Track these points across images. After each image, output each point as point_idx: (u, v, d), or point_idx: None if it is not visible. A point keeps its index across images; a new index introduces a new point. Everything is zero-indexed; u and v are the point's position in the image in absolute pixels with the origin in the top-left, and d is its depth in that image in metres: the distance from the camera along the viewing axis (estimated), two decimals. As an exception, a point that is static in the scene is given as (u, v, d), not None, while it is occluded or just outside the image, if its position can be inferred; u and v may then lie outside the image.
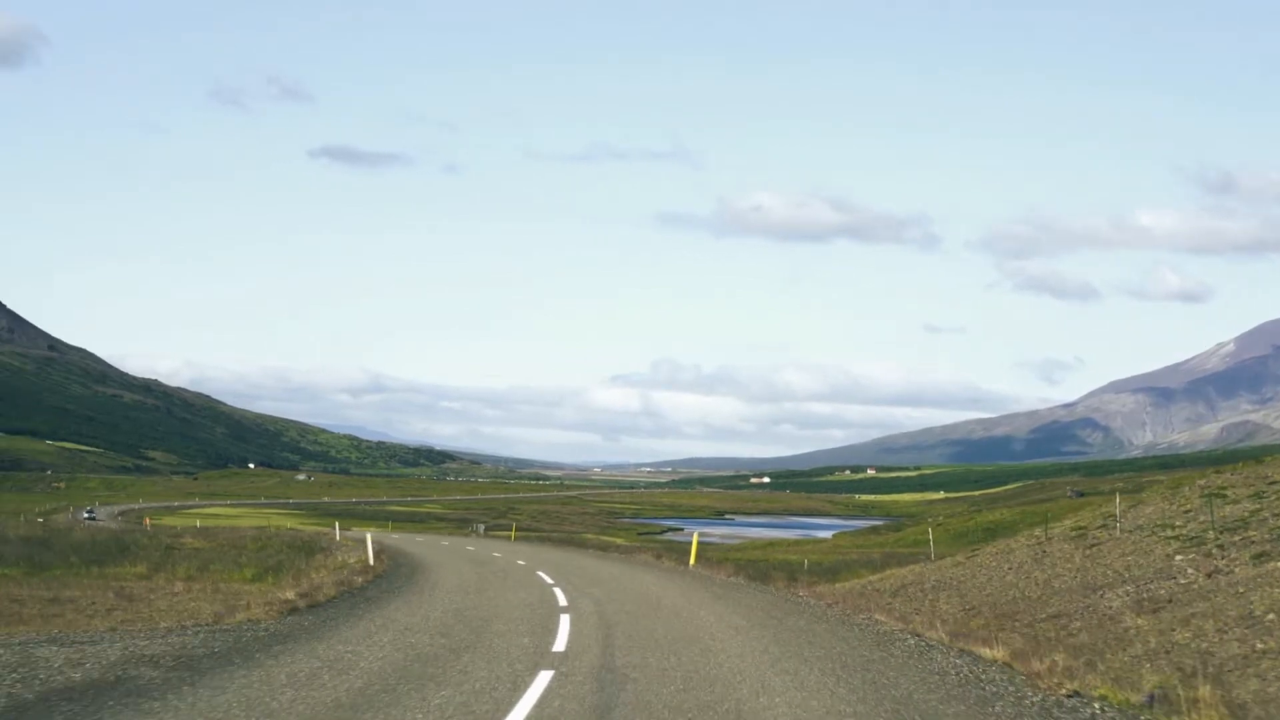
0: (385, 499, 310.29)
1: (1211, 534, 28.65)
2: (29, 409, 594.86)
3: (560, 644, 20.22)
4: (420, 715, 13.65)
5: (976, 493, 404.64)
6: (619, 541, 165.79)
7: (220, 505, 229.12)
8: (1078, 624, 23.27)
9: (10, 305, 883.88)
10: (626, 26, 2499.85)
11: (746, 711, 14.34)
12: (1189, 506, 33.91)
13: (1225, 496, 33.52)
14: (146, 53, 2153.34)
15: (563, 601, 28.53)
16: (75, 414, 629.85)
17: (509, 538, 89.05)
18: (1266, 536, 26.47)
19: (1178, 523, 31.70)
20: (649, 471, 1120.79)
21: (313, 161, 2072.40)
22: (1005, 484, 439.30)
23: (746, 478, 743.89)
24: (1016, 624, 24.23)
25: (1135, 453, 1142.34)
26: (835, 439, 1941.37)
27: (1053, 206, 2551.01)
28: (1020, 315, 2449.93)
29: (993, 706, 15.16)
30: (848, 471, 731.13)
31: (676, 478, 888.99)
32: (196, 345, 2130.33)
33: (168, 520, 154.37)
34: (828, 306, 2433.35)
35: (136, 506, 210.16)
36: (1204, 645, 18.99)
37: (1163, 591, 24.02)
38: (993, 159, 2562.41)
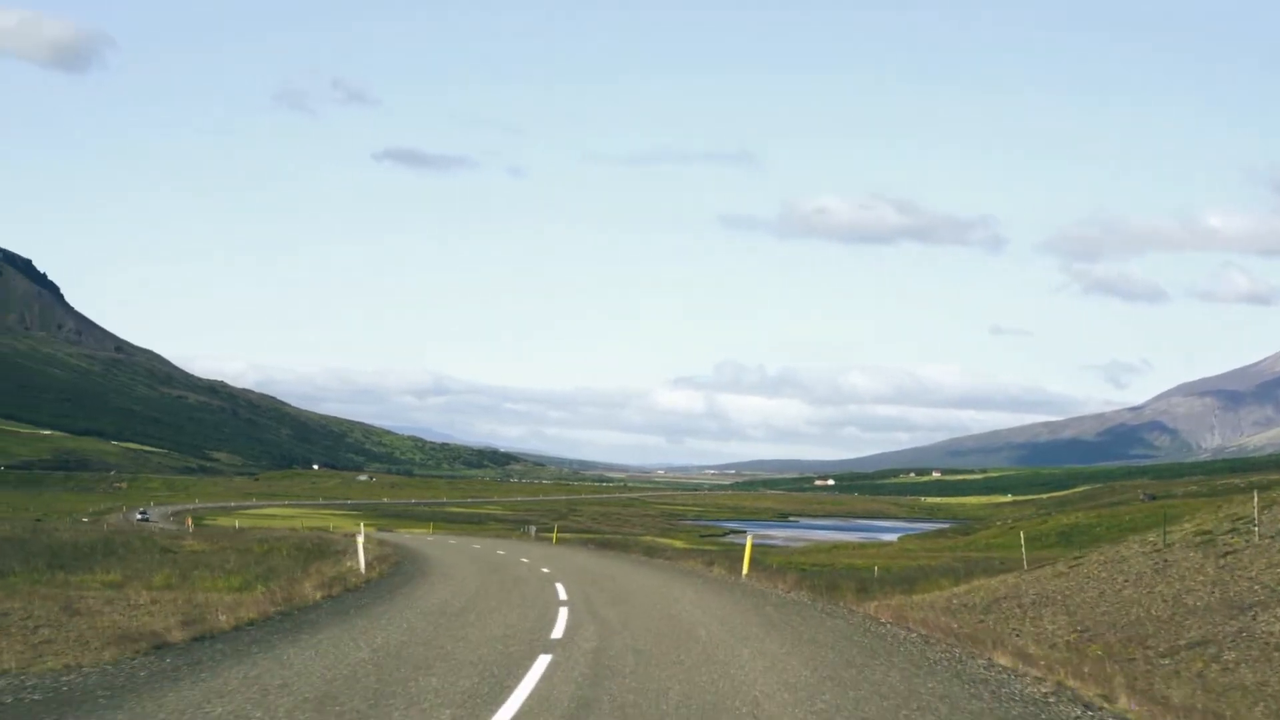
0: (445, 500, 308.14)
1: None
2: (95, 410, 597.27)
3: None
4: None
5: (1044, 495, 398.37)
6: (676, 544, 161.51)
7: (277, 506, 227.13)
8: (1232, 655, 18.69)
9: (78, 308, 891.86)
10: (690, 30, 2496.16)
11: None
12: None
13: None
14: (212, 57, 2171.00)
15: (558, 631, 22.13)
16: (141, 415, 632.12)
17: (557, 540, 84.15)
18: None
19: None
20: (713, 474, 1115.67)
21: (377, 164, 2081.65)
22: (1072, 487, 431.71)
23: (810, 480, 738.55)
24: (1149, 652, 19.70)
25: (1203, 456, 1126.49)
26: (900, 441, 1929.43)
27: (1120, 208, 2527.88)
28: (1087, 318, 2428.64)
29: None
30: (912, 474, 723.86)
31: (740, 480, 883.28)
32: (263, 347, 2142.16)
33: (220, 520, 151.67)
34: (892, 309, 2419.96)
35: (191, 507, 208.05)
36: None
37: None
38: (1059, 160, 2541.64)
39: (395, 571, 37.64)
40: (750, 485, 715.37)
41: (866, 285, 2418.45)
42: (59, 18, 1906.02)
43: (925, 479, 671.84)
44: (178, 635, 19.49)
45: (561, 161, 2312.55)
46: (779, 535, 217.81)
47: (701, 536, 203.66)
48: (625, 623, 24.15)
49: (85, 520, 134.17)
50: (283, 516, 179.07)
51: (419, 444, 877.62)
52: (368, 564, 35.76)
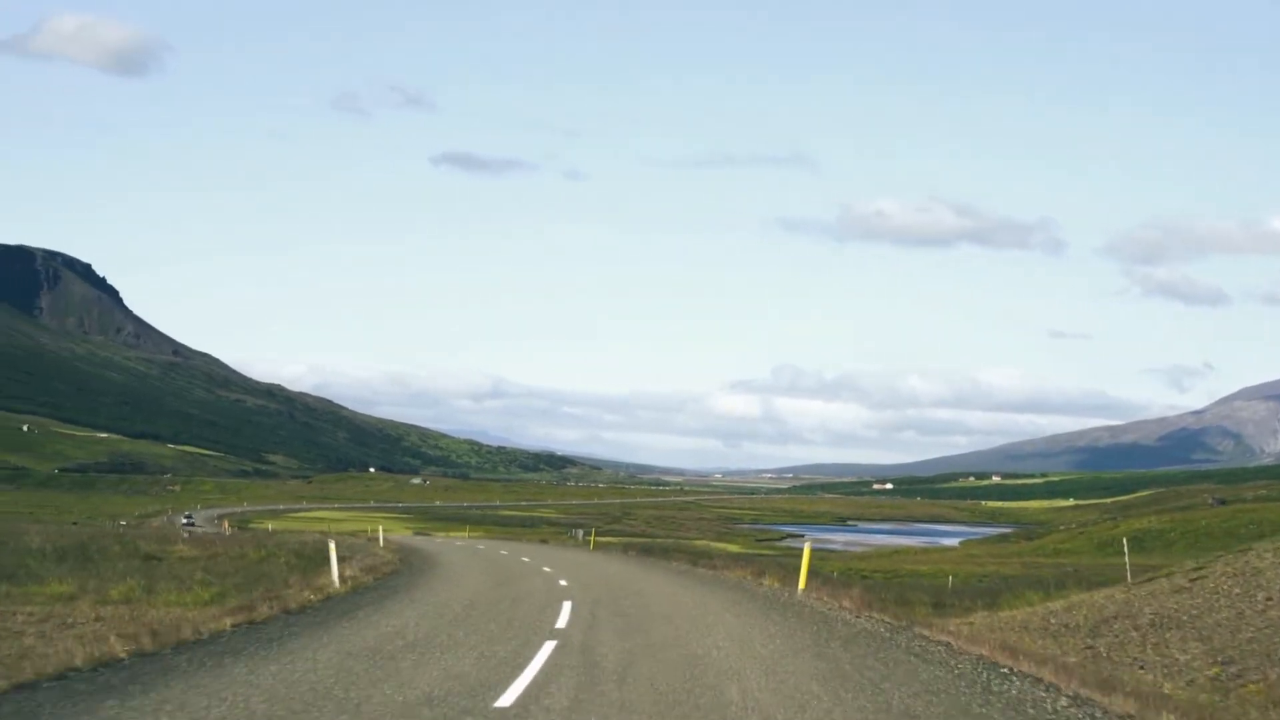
0: (498, 503, 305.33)
1: None
2: (152, 413, 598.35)
3: None
4: None
5: (1108, 500, 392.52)
6: (731, 549, 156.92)
7: (326, 509, 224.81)
8: None
9: (137, 311, 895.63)
10: (747, 33, 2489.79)
11: None
12: None
13: None
14: (270, 62, 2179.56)
15: (516, 688, 15.76)
16: (197, 418, 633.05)
17: (595, 545, 78.67)
18: None
19: None
20: (770, 478, 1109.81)
21: (434, 168, 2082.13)
22: (1134, 491, 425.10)
23: (869, 484, 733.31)
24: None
25: (1267, 460, 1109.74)
26: (959, 445, 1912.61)
27: (1182, 211, 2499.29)
28: (1148, 321, 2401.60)
29: None
30: (972, 478, 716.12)
31: (798, 484, 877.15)
32: (321, 351, 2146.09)
33: (266, 523, 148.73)
34: (951, 312, 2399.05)
35: (239, 510, 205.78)
36: None
37: None
38: (1121, 162, 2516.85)
39: (378, 585, 32.64)
40: (808, 489, 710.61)
41: (925, 288, 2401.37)
42: (118, 23, 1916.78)
43: (985, 483, 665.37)
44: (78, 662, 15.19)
45: (618, 164, 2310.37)
46: (837, 539, 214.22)
47: (758, 541, 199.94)
48: (625, 671, 17.29)
49: (124, 524, 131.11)
50: (329, 520, 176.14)
51: (475, 447, 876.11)
52: (350, 576, 31.28)
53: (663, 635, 22.10)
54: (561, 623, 23.81)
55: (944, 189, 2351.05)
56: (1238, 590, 23.46)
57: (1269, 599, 22.14)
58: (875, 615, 25.63)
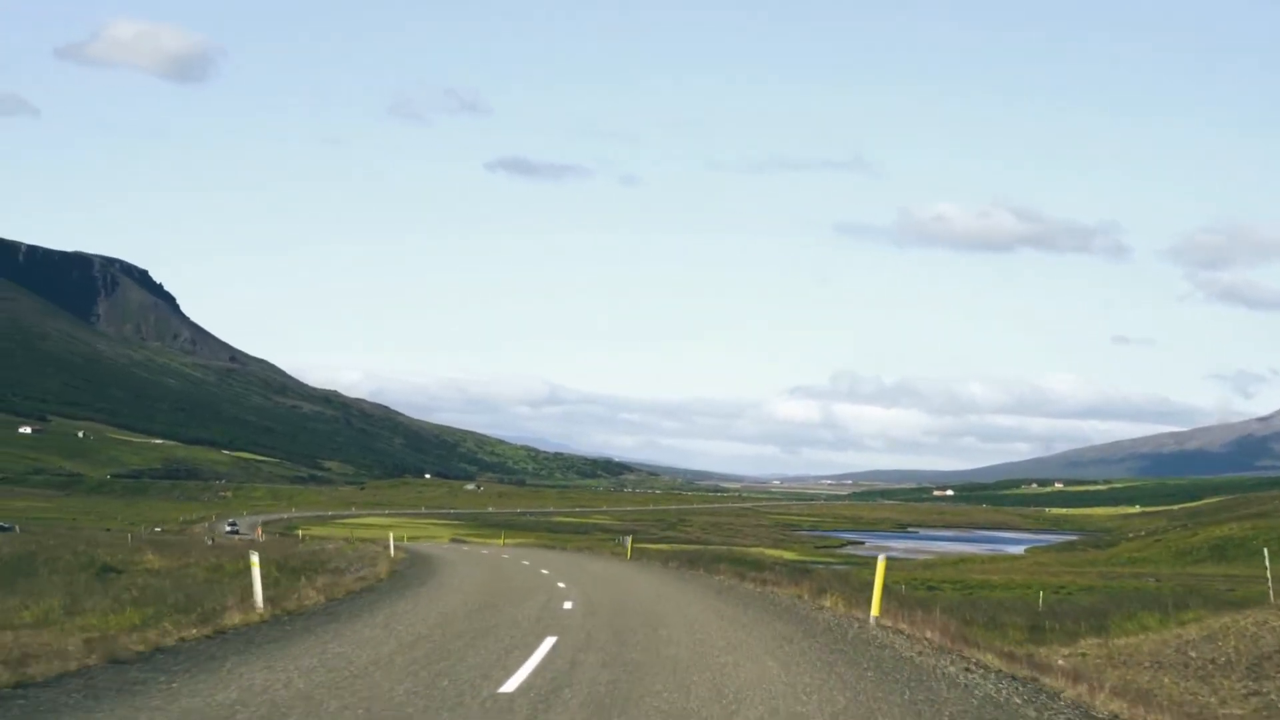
0: (551, 509, 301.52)
1: None
2: (208, 419, 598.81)
3: None
4: None
5: (1174, 506, 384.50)
6: (788, 556, 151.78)
7: (375, 515, 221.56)
8: None
9: (193, 318, 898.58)
10: (804, 36, 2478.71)
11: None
12: None
13: None
14: (326, 67, 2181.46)
15: None
16: (254, 424, 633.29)
17: (640, 552, 72.09)
18: None
19: None
20: (829, 484, 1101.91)
21: (490, 174, 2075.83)
22: (1201, 498, 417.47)
23: (929, 490, 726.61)
24: None
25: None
26: (1020, 452, 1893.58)
27: (1246, 214, 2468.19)
28: (1213, 326, 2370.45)
29: None
30: (1034, 485, 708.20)
31: (857, 490, 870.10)
32: (378, 358, 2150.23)
33: (300, 531, 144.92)
34: (1012, 318, 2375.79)
35: (287, 516, 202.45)
36: None
37: None
38: (1185, 165, 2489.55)
39: (324, 610, 26.53)
40: (867, 495, 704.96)
41: (985, 294, 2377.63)
42: (176, 29, 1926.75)
43: (1047, 490, 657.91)
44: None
45: (674, 169, 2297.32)
46: (898, 546, 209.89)
47: (817, 548, 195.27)
48: None
49: (159, 530, 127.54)
50: (375, 526, 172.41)
51: (532, 454, 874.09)
52: (300, 597, 25.69)
53: (663, 709, 15.08)
54: (516, 680, 16.88)
55: (1005, 193, 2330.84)
56: None
57: None
58: (978, 657, 18.52)
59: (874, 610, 26.60)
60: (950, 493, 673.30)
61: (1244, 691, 16.64)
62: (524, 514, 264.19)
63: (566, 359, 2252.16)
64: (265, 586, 25.54)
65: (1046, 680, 16.21)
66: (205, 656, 18.49)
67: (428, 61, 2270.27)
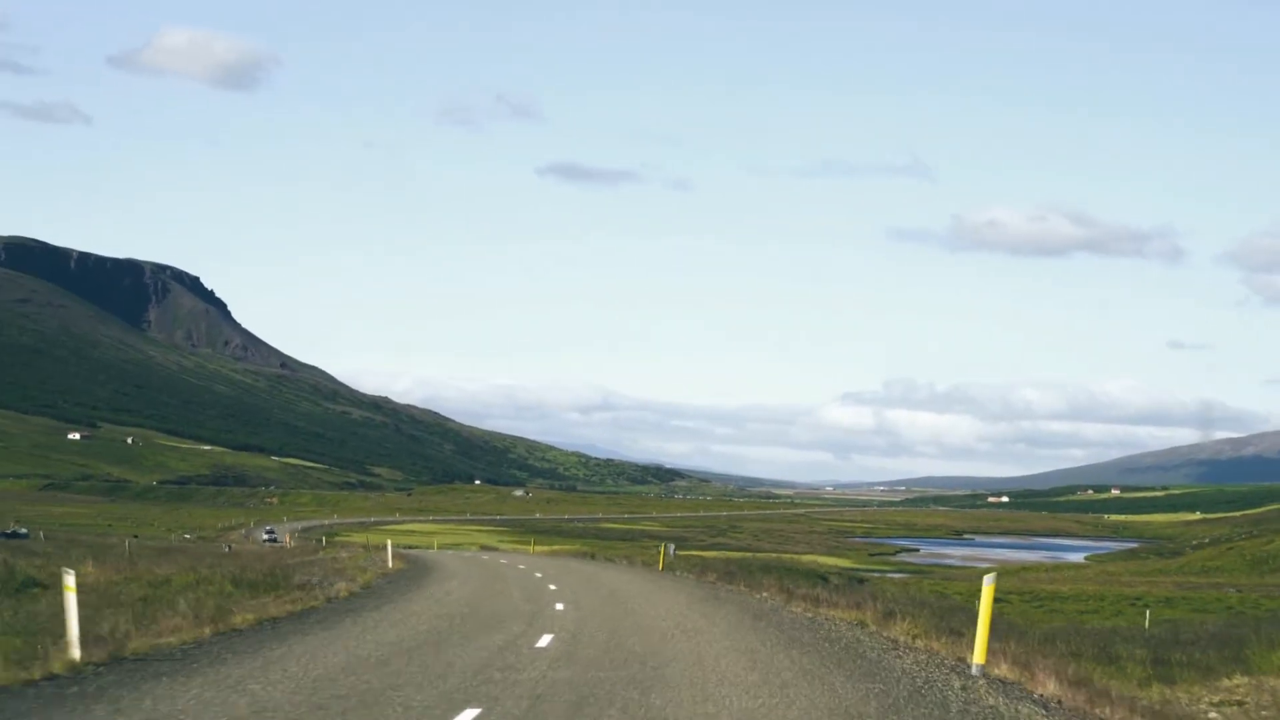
0: (600, 515, 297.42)
1: None
2: (258, 425, 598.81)
3: None
4: None
5: (1235, 514, 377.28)
6: (842, 564, 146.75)
7: (419, 522, 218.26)
8: None
9: (245, 324, 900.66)
10: (855, 41, 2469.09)
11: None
12: None
13: None
14: (376, 74, 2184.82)
15: None
16: (303, 430, 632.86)
17: (682, 560, 65.56)
18: None
19: None
20: (882, 491, 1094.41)
21: (541, 179, 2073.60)
22: (1262, 505, 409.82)
23: (983, 497, 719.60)
24: None
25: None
26: (1074, 458, 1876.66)
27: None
28: (1270, 331, 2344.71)
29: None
30: (1090, 491, 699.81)
31: (910, 497, 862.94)
32: (429, 364, 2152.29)
33: (356, 537, 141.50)
34: (1066, 323, 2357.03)
35: (329, 523, 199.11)
36: None
37: None
38: (1242, 168, 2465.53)
39: (177, 653, 19.92)
40: (920, 502, 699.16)
41: (1039, 299, 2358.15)
42: (228, 37, 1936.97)
43: (1103, 496, 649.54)
44: None
45: (726, 175, 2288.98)
46: (954, 554, 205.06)
47: (871, 555, 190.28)
48: None
49: (188, 537, 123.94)
50: (417, 532, 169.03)
51: (583, 460, 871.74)
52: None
53: None
54: None
55: (1059, 198, 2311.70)
56: None
57: None
58: None
59: (977, 655, 19.12)
60: (1005, 499, 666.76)
61: None
62: (572, 520, 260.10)
63: (618, 365, 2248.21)
64: (195, 607, 20.51)
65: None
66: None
67: (478, 67, 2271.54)
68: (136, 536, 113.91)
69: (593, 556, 77.24)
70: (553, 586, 42.25)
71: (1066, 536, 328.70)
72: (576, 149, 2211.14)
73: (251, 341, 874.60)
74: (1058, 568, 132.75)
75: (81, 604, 19.05)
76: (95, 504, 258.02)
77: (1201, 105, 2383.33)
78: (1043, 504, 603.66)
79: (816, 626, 28.29)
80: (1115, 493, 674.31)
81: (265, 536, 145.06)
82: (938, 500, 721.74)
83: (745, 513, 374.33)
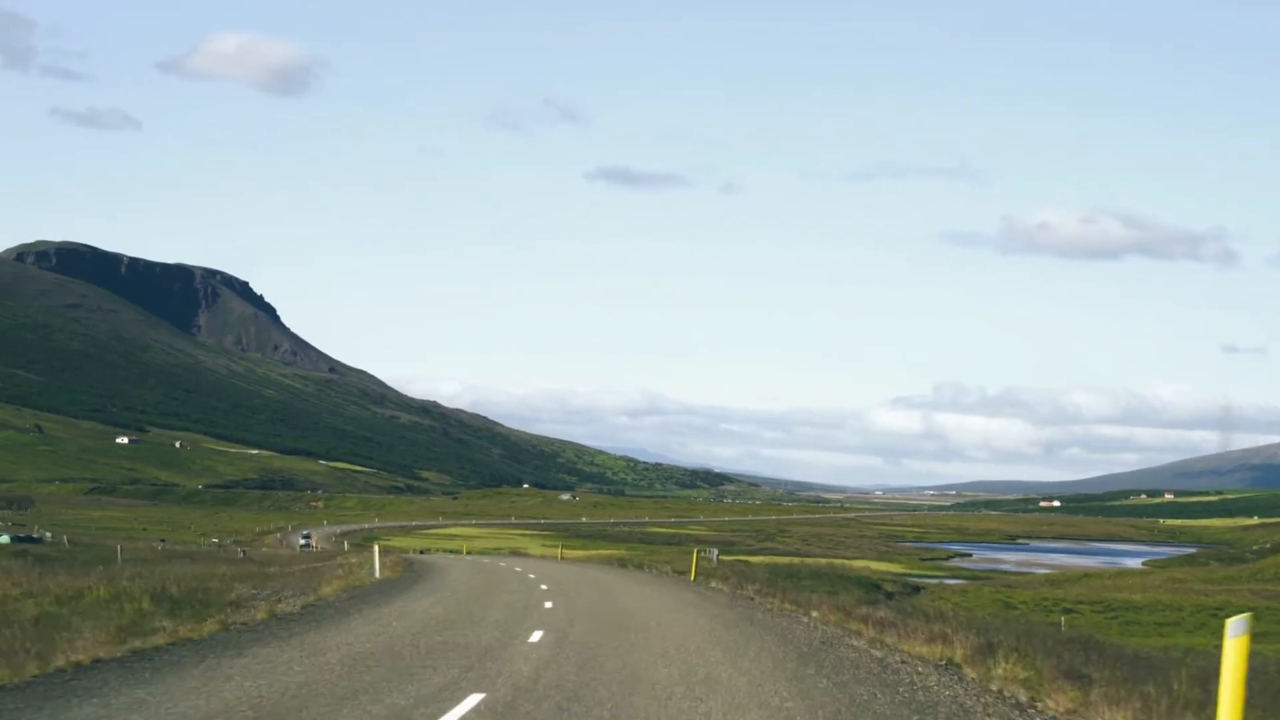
0: (647, 520, 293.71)
1: None
2: (306, 429, 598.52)
3: None
4: None
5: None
6: (894, 569, 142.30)
7: (462, 526, 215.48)
8: None
9: (294, 329, 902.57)
10: (905, 44, 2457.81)
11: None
12: None
13: None
14: (424, 78, 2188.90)
15: None
16: (351, 435, 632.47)
17: (724, 568, 58.89)
18: None
19: None
20: (932, 495, 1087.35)
21: (589, 183, 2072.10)
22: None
23: (1034, 501, 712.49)
24: None
25: None
26: (1127, 463, 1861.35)
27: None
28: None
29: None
30: (1143, 496, 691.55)
31: (961, 501, 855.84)
32: (478, 368, 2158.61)
33: (395, 541, 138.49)
34: (1118, 326, 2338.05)
35: (370, 527, 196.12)
36: None
37: None
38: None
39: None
40: (971, 506, 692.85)
41: (1091, 302, 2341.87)
42: (276, 42, 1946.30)
43: (1157, 501, 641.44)
44: None
45: (775, 178, 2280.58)
46: (1009, 559, 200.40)
47: (923, 560, 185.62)
48: None
49: (215, 541, 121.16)
50: (459, 537, 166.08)
51: (631, 464, 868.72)
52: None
53: None
54: None
55: (1111, 200, 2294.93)
56: None
57: None
58: None
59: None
60: (1056, 504, 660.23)
61: None
62: (617, 524, 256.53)
63: (666, 369, 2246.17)
64: (98, 627, 16.52)
65: None
66: None
67: (526, 71, 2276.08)
68: (164, 541, 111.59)
69: (624, 565, 71.31)
70: (548, 604, 35.51)
71: (1121, 541, 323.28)
72: (625, 153, 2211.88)
73: (300, 346, 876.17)
74: (1121, 574, 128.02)
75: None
76: (138, 508, 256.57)
77: (1254, 108, 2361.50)
78: (1095, 508, 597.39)
79: (889, 673, 20.89)
80: (1169, 497, 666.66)
81: (301, 541, 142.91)
82: (988, 505, 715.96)
83: (794, 517, 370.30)
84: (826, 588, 38.04)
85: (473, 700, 17.13)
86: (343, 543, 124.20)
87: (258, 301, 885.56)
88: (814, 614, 32.26)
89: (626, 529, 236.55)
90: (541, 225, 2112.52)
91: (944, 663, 21.45)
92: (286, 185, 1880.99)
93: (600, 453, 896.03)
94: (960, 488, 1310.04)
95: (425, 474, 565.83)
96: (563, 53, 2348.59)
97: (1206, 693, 14.54)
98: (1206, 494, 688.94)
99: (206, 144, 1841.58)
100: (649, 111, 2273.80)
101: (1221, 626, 12.56)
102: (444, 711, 16.36)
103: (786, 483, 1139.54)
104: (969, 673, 20.12)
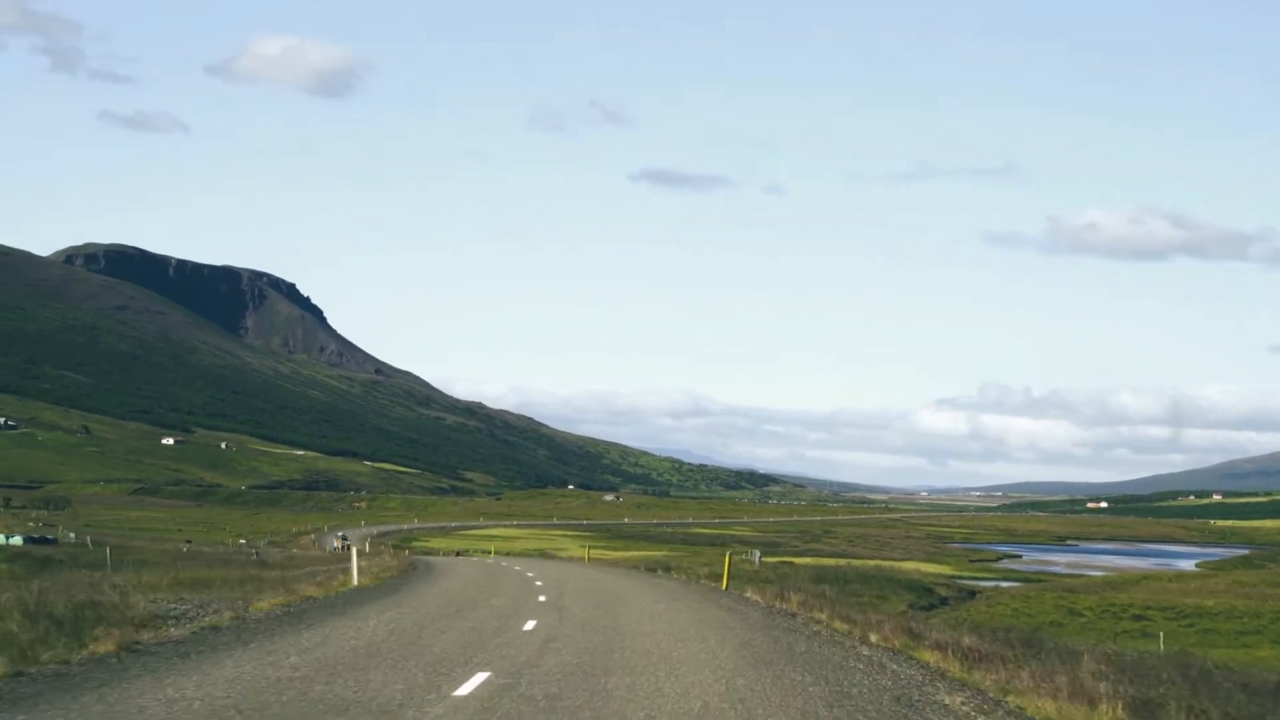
0: (690, 520, 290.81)
1: None
2: (352, 430, 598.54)
3: None
4: None
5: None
6: (944, 571, 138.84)
7: (503, 527, 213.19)
8: None
9: (340, 331, 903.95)
10: (948, 46, 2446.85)
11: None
12: None
13: None
14: (469, 80, 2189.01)
15: None
16: (397, 436, 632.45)
17: (764, 572, 53.94)
18: None
19: None
20: (978, 496, 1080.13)
21: (634, 185, 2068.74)
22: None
23: (1081, 502, 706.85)
24: None
25: None
26: (1174, 464, 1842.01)
27: None
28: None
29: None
30: (1192, 497, 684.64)
31: (1007, 502, 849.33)
32: (523, 370, 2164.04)
33: (434, 542, 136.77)
34: (1165, 327, 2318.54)
35: (409, 528, 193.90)
36: None
37: None
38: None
39: None
40: (1017, 507, 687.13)
41: (1137, 302, 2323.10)
42: (321, 45, 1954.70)
43: (1205, 501, 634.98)
44: None
45: (819, 180, 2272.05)
46: (1059, 560, 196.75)
47: (972, 561, 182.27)
48: None
49: (244, 542, 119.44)
50: (500, 538, 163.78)
51: (676, 465, 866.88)
52: None
53: None
54: None
55: (1158, 200, 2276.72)
56: None
57: None
58: None
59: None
60: (1104, 505, 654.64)
61: None
62: (660, 525, 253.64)
63: (710, 370, 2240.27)
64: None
65: None
66: None
67: (570, 73, 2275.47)
68: (190, 542, 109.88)
69: (653, 569, 64.99)
70: (528, 626, 28.30)
71: (1172, 543, 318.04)
72: (669, 154, 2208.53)
73: (346, 347, 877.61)
74: (1179, 576, 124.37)
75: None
76: (180, 509, 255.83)
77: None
78: (1143, 509, 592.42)
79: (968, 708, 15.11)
80: (1217, 498, 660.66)
81: (336, 545, 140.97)
82: (1035, 506, 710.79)
83: (839, 518, 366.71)
84: (875, 592, 34.69)
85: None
86: (375, 545, 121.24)
87: (304, 303, 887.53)
88: (874, 637, 26.47)
89: (670, 530, 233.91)
90: (585, 226, 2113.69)
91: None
92: (332, 187, 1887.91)
93: (645, 454, 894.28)
94: (1006, 489, 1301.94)
95: (470, 475, 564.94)
96: (607, 55, 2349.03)
97: None
98: (1255, 495, 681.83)
99: (253, 147, 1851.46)
100: (693, 113, 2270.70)
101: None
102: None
103: (831, 483, 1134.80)
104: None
